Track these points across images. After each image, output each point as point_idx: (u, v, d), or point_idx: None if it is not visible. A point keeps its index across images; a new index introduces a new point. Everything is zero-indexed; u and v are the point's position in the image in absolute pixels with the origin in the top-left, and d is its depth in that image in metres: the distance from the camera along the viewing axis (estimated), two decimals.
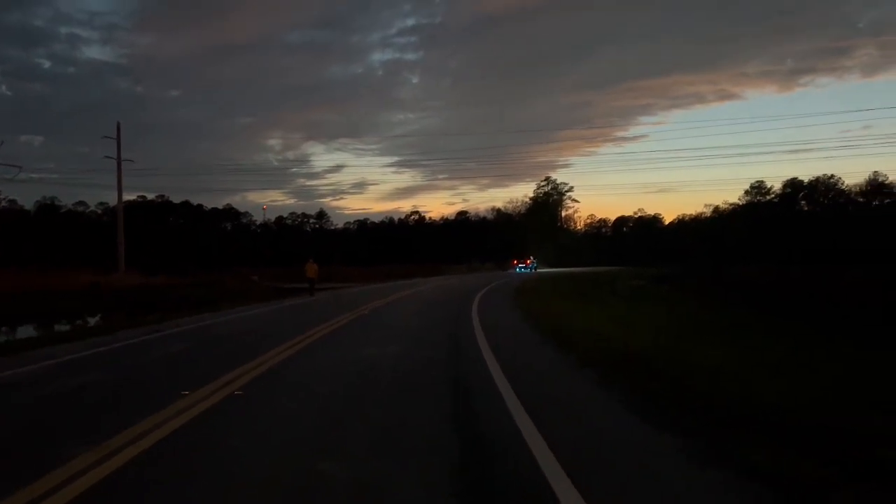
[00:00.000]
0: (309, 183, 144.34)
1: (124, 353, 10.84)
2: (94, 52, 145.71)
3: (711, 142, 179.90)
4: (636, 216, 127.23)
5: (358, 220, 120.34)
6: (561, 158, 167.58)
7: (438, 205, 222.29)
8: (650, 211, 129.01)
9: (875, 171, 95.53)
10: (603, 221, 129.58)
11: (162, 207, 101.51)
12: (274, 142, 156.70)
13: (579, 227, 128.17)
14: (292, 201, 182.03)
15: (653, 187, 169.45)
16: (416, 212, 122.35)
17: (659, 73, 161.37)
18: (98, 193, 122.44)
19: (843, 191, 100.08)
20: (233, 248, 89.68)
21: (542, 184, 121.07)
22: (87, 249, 69.07)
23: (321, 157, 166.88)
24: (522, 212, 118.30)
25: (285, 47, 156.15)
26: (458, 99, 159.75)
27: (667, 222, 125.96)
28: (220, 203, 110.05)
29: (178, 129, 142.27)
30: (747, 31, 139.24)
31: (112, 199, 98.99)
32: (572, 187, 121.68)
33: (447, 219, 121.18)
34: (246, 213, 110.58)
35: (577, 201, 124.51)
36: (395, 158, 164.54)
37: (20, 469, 4.47)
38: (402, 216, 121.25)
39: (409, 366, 8.89)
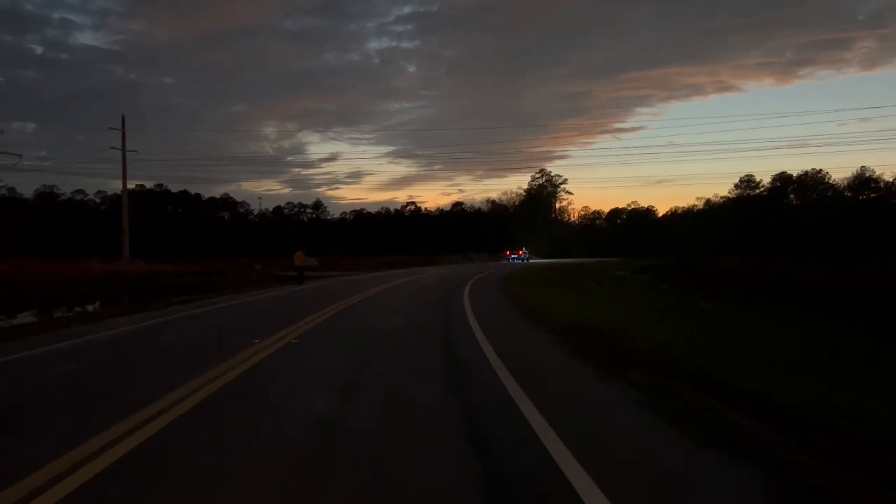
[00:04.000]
0: (304, 172, 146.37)
1: (191, 319, 13.71)
2: (87, 38, 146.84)
3: (708, 134, 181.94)
4: (630, 208, 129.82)
5: (354, 210, 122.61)
6: (558, 149, 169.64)
7: (434, 195, 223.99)
8: (645, 203, 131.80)
9: (862, 166, 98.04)
10: (597, 213, 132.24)
11: (160, 196, 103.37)
12: (269, 130, 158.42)
13: (573, 219, 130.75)
14: (287, 191, 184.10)
15: (649, 179, 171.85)
16: (412, 202, 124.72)
17: (657, 64, 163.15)
18: (95, 182, 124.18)
19: (830, 185, 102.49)
20: (232, 238, 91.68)
21: (537, 176, 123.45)
22: (89, 238, 70.90)
23: (317, 146, 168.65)
24: (517, 203, 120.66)
25: (280, 34, 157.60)
26: (454, 88, 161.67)
27: (660, 214, 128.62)
28: (216, 192, 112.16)
29: (173, 117, 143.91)
30: (746, 23, 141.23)
31: (108, 187, 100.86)
32: (566, 180, 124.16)
33: (443, 209, 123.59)
34: (243, 203, 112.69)
35: (570, 193, 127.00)
36: (391, 148, 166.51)
37: (195, 364, 6.73)
38: (399, 206, 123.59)
39: (414, 326, 11.15)
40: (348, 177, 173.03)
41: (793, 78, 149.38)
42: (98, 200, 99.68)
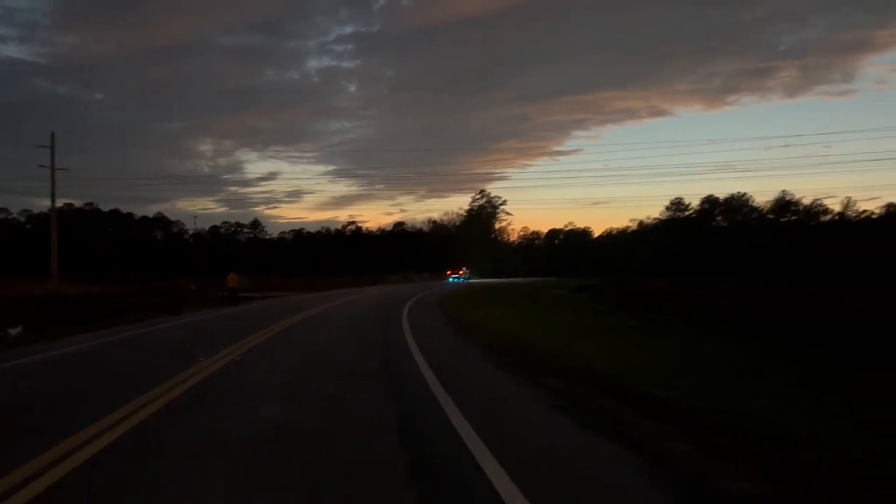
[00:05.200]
0: (242, 191, 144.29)
1: (142, 337, 13.53)
2: (11, 51, 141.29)
3: (642, 159, 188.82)
4: (567, 229, 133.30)
5: (293, 230, 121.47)
6: (497, 170, 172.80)
7: (376, 215, 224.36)
8: (581, 224, 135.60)
9: (783, 190, 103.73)
10: (536, 234, 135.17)
11: (91, 215, 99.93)
12: (205, 148, 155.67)
13: (513, 239, 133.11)
14: (224, 209, 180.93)
15: (585, 201, 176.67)
16: (353, 222, 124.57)
17: (593, 88, 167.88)
18: (20, 200, 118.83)
19: (755, 208, 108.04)
20: (166, 258, 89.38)
21: (477, 197, 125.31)
22: (14, 258, 67.90)
23: (255, 164, 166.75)
24: (458, 224, 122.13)
25: (218, 51, 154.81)
26: (395, 109, 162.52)
27: (596, 235, 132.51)
28: (149, 210, 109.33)
29: (104, 133, 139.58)
30: (678, 51, 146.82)
31: (35, 206, 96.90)
32: (505, 201, 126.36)
33: (384, 229, 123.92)
34: (178, 222, 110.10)
35: (510, 214, 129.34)
36: (332, 167, 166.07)
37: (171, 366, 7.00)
38: (339, 226, 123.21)
39: (354, 338, 11.63)
40: (287, 196, 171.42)
41: (721, 104, 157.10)
42: (23, 219, 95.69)
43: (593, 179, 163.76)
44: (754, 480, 4.14)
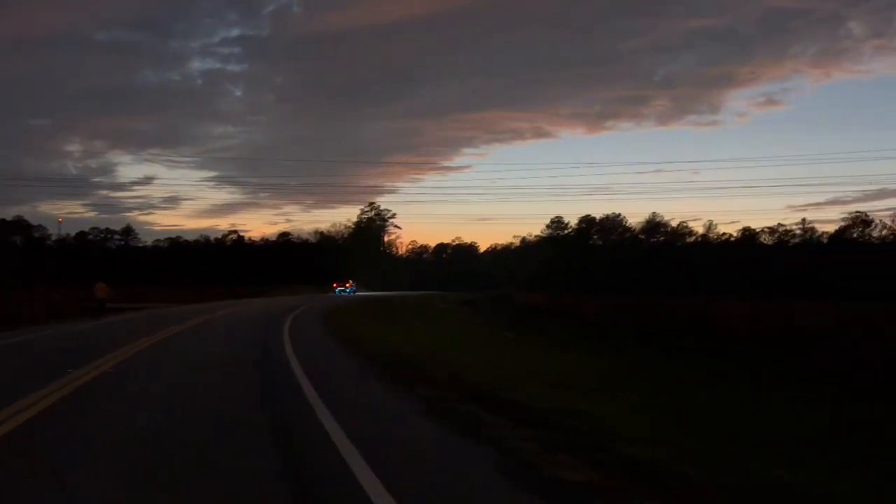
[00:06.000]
0: (114, 195, 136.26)
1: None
2: None
3: (527, 178, 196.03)
4: (455, 244, 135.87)
5: (170, 238, 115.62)
6: (388, 183, 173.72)
7: (259, 224, 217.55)
8: (468, 239, 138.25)
9: (653, 212, 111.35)
10: (424, 248, 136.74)
11: None
12: (73, 148, 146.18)
13: (402, 253, 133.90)
14: (93, 214, 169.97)
15: (473, 217, 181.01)
16: (235, 231, 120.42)
17: (483, 107, 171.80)
18: None
19: (628, 228, 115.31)
20: (25, 265, 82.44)
21: (366, 210, 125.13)
22: None
23: (128, 167, 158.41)
24: (346, 236, 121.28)
25: (91, 46, 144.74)
26: (284, 116, 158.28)
27: (482, 250, 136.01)
28: (7, 213, 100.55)
29: None
30: (562, 76, 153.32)
31: None
32: (395, 214, 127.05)
33: (268, 239, 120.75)
34: (40, 227, 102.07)
35: (399, 227, 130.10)
36: (214, 173, 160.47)
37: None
38: (219, 235, 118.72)
39: (232, 353, 11.67)
40: (164, 202, 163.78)
41: (601, 129, 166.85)
42: None
43: (481, 196, 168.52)
44: (582, 470, 4.84)
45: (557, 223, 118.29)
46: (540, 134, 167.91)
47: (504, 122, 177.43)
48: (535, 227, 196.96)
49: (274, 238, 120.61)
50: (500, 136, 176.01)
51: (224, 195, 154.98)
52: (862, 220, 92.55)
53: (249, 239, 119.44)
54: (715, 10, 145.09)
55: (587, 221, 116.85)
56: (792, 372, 14.39)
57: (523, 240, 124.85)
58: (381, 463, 4.87)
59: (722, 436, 7.39)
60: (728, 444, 6.72)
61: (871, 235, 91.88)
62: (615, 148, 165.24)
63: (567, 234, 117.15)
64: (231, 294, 62.52)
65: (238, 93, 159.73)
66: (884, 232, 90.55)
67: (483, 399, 8.06)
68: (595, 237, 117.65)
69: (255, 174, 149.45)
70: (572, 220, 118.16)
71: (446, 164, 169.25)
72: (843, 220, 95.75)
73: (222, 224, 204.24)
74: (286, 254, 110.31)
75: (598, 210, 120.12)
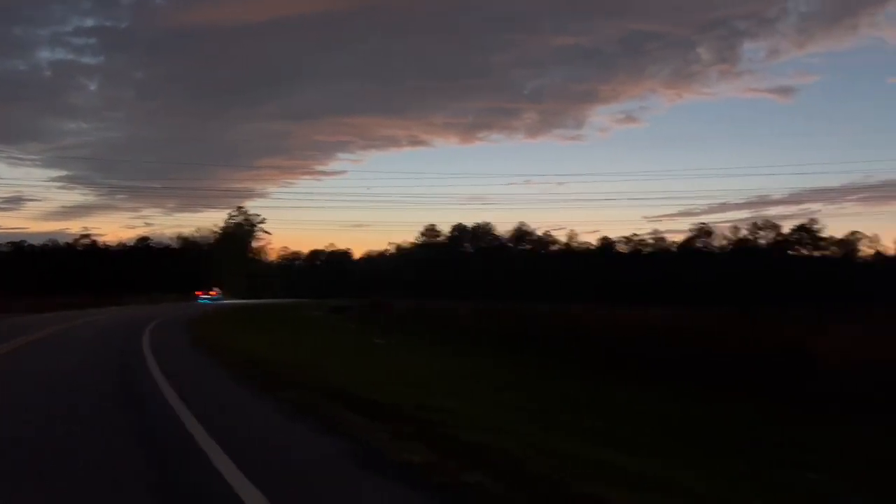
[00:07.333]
0: None
1: None
2: None
3: (402, 185, 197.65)
4: (328, 250, 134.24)
5: (12, 242, 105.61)
6: (257, 187, 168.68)
7: (116, 228, 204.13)
8: (343, 246, 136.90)
9: (521, 222, 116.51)
10: (297, 254, 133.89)
11: None
12: None
13: (272, 259, 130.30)
14: None
15: (347, 223, 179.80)
16: (87, 235, 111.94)
17: (358, 112, 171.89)
18: None
19: (497, 236, 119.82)
20: None
21: (234, 214, 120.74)
22: None
23: None
24: (212, 241, 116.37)
25: None
26: (144, 114, 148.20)
27: (357, 257, 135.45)
28: None
29: None
30: (436, 85, 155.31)
31: None
32: (264, 219, 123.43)
33: (126, 244, 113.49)
34: None
35: (269, 233, 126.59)
36: (63, 172, 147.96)
37: None
38: (70, 239, 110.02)
39: (87, 366, 11.41)
40: (5, 202, 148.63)
41: (473, 139, 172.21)
42: None
43: (356, 202, 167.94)
44: (422, 453, 5.60)
45: (431, 231, 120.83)
46: (415, 142, 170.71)
47: (380, 128, 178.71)
48: (409, 235, 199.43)
49: (132, 243, 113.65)
50: (375, 143, 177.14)
51: (75, 196, 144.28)
52: (705, 231, 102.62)
53: (104, 244, 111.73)
54: (581, 28, 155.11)
55: (460, 229, 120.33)
56: (632, 370, 16.14)
57: (398, 247, 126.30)
58: (240, 454, 5.37)
59: (555, 423, 8.49)
60: (554, 430, 7.80)
61: (711, 245, 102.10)
62: (487, 158, 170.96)
63: (440, 241, 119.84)
64: (84, 303, 58.24)
65: (93, 87, 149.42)
66: (724, 242, 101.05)
67: (345, 399, 8.64)
68: (467, 245, 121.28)
69: (112, 175, 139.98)
70: (445, 227, 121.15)
71: (320, 168, 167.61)
72: (689, 230, 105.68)
73: (73, 227, 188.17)
74: (146, 260, 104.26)
75: (471, 218, 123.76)
